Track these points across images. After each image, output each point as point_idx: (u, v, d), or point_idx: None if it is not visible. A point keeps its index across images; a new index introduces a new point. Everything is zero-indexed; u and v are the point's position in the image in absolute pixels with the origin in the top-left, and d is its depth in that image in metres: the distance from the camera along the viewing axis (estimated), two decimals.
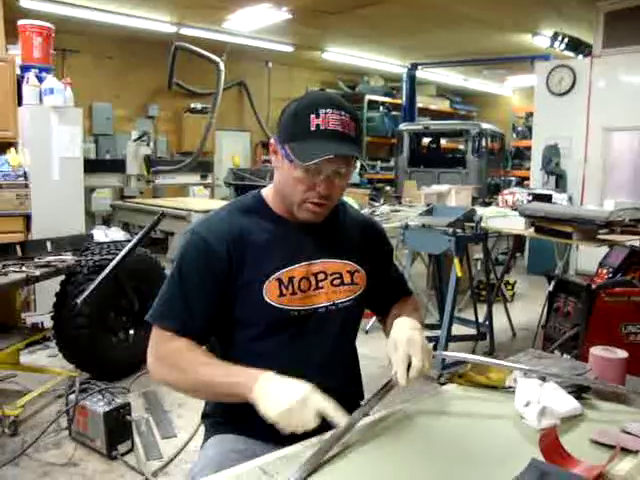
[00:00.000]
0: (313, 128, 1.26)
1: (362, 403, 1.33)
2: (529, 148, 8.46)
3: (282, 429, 1.11)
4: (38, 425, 3.05)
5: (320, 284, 1.39)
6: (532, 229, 3.89)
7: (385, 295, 1.59)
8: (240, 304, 1.34)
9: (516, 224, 3.98)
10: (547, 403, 1.24)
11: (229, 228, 1.36)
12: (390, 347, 1.28)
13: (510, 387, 1.39)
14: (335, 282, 1.40)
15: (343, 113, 1.28)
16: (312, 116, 1.27)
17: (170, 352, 1.30)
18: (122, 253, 3.53)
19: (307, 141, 1.26)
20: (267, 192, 1.45)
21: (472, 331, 4.31)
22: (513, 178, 9.79)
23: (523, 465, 1.06)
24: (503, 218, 4.08)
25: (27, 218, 4.76)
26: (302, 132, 1.27)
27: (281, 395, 1.12)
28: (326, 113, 1.27)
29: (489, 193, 8.66)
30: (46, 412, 3.24)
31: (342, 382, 1.40)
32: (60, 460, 2.76)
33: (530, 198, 4.35)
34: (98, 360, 3.55)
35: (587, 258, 6.08)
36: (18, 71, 4.70)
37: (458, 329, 4.25)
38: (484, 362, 1.46)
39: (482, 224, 4.03)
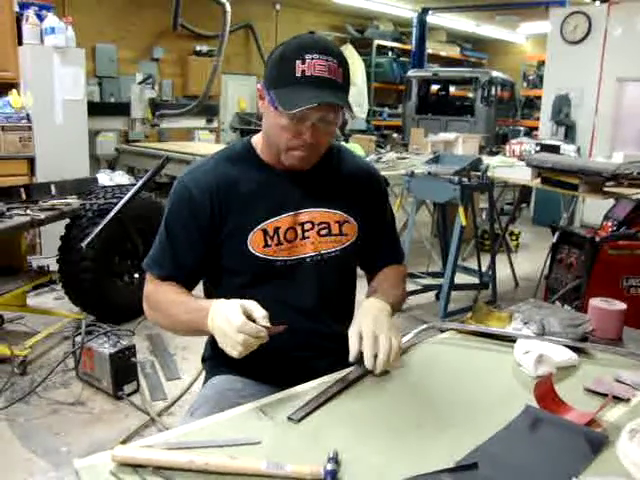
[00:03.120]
0: (298, 74, 1.23)
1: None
2: (539, 98, 8.30)
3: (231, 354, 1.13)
4: (46, 365, 3.12)
5: (306, 234, 1.38)
6: (538, 180, 3.86)
7: (373, 255, 1.53)
8: (226, 253, 1.36)
9: (522, 174, 3.96)
10: (544, 352, 1.25)
11: (214, 179, 1.36)
12: (354, 329, 1.25)
13: (509, 337, 1.40)
14: (322, 232, 1.39)
15: (330, 59, 1.24)
16: (298, 62, 1.23)
17: (154, 295, 1.36)
18: (126, 197, 3.53)
19: (292, 88, 1.23)
20: (257, 139, 1.43)
21: (475, 280, 4.34)
22: (522, 128, 9.65)
23: (517, 411, 1.08)
24: (510, 168, 4.05)
25: (31, 161, 4.78)
26: (287, 78, 1.24)
27: (216, 320, 1.15)
28: (312, 59, 1.22)
29: (497, 142, 8.57)
30: (54, 353, 3.31)
31: (334, 327, 1.41)
32: (68, 399, 2.84)
33: (538, 148, 4.29)
34: (103, 303, 3.60)
35: (593, 210, 6.04)
36: (17, 8, 4.59)
37: (461, 278, 4.28)
38: (482, 331, 1.46)
39: (488, 173, 4.00)
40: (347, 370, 1.22)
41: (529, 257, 5.85)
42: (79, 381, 2.98)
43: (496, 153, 5.51)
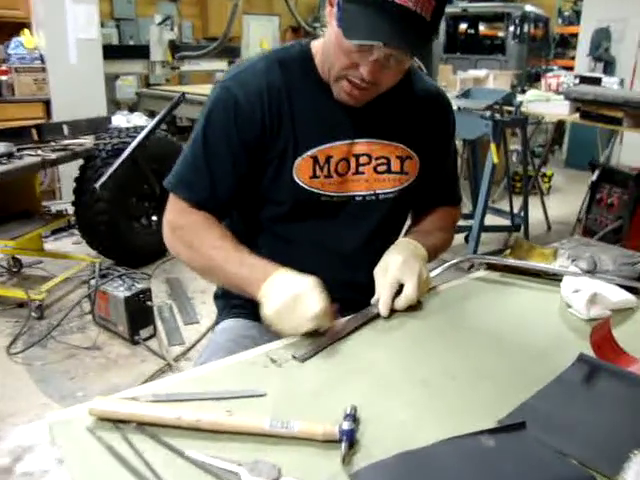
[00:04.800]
0: None
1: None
2: (575, 35, 7.83)
3: (277, 333, 0.99)
4: (63, 309, 3.06)
5: (361, 169, 1.18)
6: (577, 115, 3.59)
7: (428, 194, 1.32)
8: (268, 179, 1.16)
9: (559, 109, 3.68)
10: (598, 290, 1.08)
11: (266, 83, 1.12)
12: (379, 268, 1.12)
13: (555, 274, 1.23)
14: (380, 168, 1.20)
15: None
16: None
17: (186, 226, 1.16)
18: (141, 134, 3.37)
19: (364, 9, 0.98)
20: (317, 46, 1.18)
21: (506, 222, 4.14)
22: (555, 67, 9.18)
23: (569, 360, 0.92)
24: (545, 102, 3.77)
25: (47, 104, 4.64)
26: None
27: (279, 293, 0.98)
28: None
29: (529, 81, 8.19)
30: (71, 297, 3.25)
31: (372, 278, 1.19)
32: (85, 343, 2.78)
33: (577, 81, 3.99)
34: (120, 246, 3.50)
35: (631, 151, 5.73)
36: None
37: (491, 220, 4.09)
38: (525, 267, 1.28)
39: (522, 109, 3.75)
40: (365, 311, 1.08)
41: (562, 200, 5.61)
42: (96, 326, 2.92)
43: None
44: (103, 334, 2.85)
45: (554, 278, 1.22)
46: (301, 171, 1.14)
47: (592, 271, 1.17)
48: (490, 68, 7.69)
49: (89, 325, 2.95)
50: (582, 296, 1.07)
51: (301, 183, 1.14)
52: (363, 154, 1.18)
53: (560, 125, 5.01)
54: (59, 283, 3.25)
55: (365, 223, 1.22)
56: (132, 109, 7.20)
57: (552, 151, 6.16)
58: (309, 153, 1.13)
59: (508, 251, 1.34)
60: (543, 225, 4.75)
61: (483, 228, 3.77)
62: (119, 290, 2.77)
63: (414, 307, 1.07)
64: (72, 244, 4.11)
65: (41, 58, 4.68)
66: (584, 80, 3.91)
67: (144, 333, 2.79)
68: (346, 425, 0.71)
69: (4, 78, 4.59)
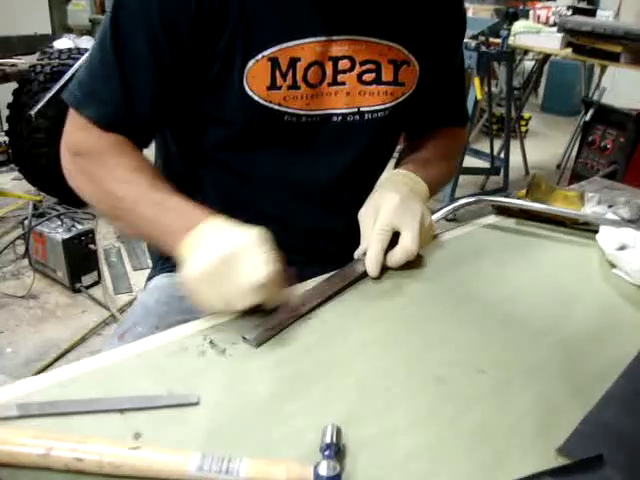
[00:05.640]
0: None
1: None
2: None
3: (200, 307, 0.67)
4: None
5: (340, 77, 0.86)
6: (569, 50, 3.30)
7: (427, 112, 1.02)
8: (209, 90, 0.83)
9: (550, 42, 3.38)
10: None
11: None
12: (367, 210, 0.84)
13: (586, 223, 0.96)
14: (366, 77, 0.87)
15: None
16: None
17: (89, 152, 0.82)
18: (84, 56, 2.96)
19: None
20: None
21: (484, 164, 3.88)
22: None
23: (628, 346, 0.66)
24: (536, 35, 3.45)
25: None
26: None
27: (207, 250, 0.66)
28: None
29: (507, 20, 7.82)
30: (5, 240, 2.89)
31: (350, 223, 0.88)
32: (18, 292, 2.45)
33: (569, 13, 3.68)
34: (61, 182, 3.11)
35: (617, 95, 5.49)
36: None
37: (470, 162, 3.82)
38: (548, 211, 0.99)
39: (509, 41, 3.44)
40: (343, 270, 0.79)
41: (539, 145, 5.38)
42: (33, 272, 2.58)
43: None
44: (40, 281, 2.53)
45: (586, 228, 0.96)
46: (255, 79, 0.81)
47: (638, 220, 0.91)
48: (470, 2, 7.30)
49: (25, 271, 2.63)
50: (634, 254, 0.81)
51: (255, 96, 0.82)
52: (343, 57, 0.85)
53: (543, 62, 4.71)
54: None
55: (344, 152, 0.91)
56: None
57: (531, 92, 5.90)
58: (266, 53, 0.80)
59: (522, 191, 1.06)
60: (521, 170, 4.52)
61: (461, 170, 3.51)
62: (57, 232, 2.45)
63: (412, 263, 0.79)
64: (12, 180, 3.72)
65: None
66: (577, 11, 3.60)
67: (86, 280, 2.48)
68: (325, 468, 0.43)
69: None
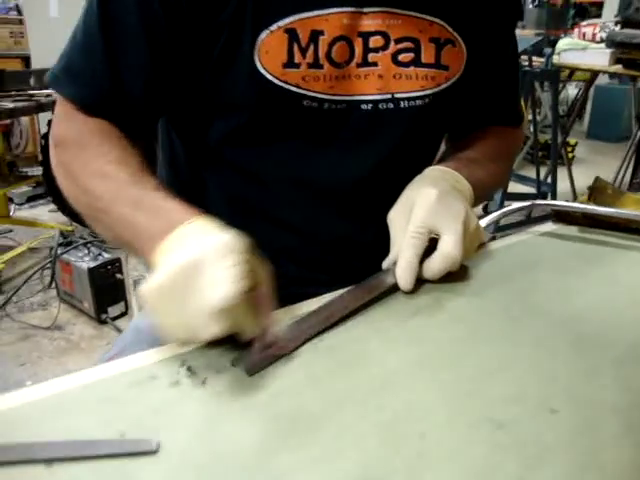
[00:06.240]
0: None
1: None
2: (594, 4, 7.39)
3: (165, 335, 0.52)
4: (25, 283, 2.66)
5: (372, 57, 0.72)
6: (619, 66, 3.12)
7: (473, 106, 0.86)
8: (213, 69, 0.70)
9: (598, 59, 3.20)
10: None
11: None
12: (398, 210, 0.69)
13: None
14: (402, 57, 0.73)
15: None
16: None
17: (68, 140, 0.69)
18: None
19: None
20: None
21: (530, 190, 3.69)
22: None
23: None
24: (582, 51, 3.28)
25: (26, 61, 4.22)
26: None
27: (172, 259, 0.51)
28: None
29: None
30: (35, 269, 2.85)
31: (386, 237, 0.72)
32: (44, 323, 2.38)
33: (618, 28, 3.50)
34: None
35: None
36: None
37: (513, 187, 3.64)
38: (619, 216, 0.82)
39: (554, 59, 3.28)
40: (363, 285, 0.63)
41: (586, 171, 5.14)
42: (60, 302, 2.51)
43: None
44: (67, 312, 2.46)
45: None
46: (269, 54, 0.68)
47: None
48: None
49: (53, 301, 2.55)
50: None
51: (268, 75, 0.68)
52: (375, 32, 0.71)
53: (589, 86, 4.51)
54: (23, 253, 2.86)
55: (375, 148, 0.76)
56: None
57: (572, 122, 5.71)
58: (282, 24, 0.67)
59: (584, 196, 0.90)
60: (568, 196, 4.31)
61: (506, 195, 3.33)
62: (84, 260, 2.37)
63: (455, 275, 0.64)
64: (49, 212, 3.72)
65: (17, 9, 4.25)
66: (627, 25, 3.42)
67: (113, 311, 2.39)
68: None
69: None
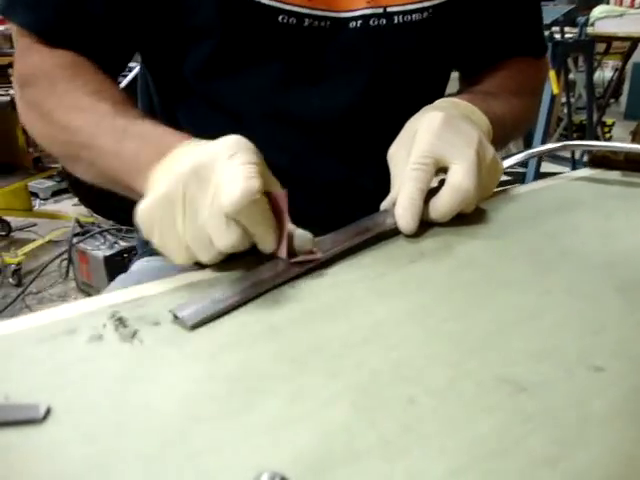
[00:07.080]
0: None
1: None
2: None
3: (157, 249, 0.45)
4: (46, 275, 2.64)
5: None
6: None
7: (487, 33, 0.74)
8: None
9: (637, 25, 3.01)
10: None
11: None
12: (399, 143, 0.57)
13: None
14: None
15: None
16: None
17: (35, 76, 0.60)
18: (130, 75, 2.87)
19: None
20: None
21: (565, 169, 3.52)
22: None
23: None
24: (619, 18, 3.09)
25: None
26: None
27: (168, 177, 0.44)
28: None
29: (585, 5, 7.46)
30: (56, 262, 2.82)
31: (379, 171, 0.62)
32: None
33: None
34: (111, 202, 3.02)
35: None
36: None
37: (546, 167, 3.47)
38: None
39: (588, 29, 3.09)
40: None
41: None
42: (80, 293, 2.47)
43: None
44: None
45: None
46: None
47: None
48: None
49: (72, 292, 2.52)
50: None
51: None
52: None
53: (626, 60, 4.28)
54: (44, 246, 2.85)
55: (367, 72, 0.64)
56: None
57: (609, 102, 5.46)
58: None
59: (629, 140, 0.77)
60: None
61: (539, 175, 3.17)
62: (99, 249, 2.33)
63: (469, 218, 0.52)
64: (72, 206, 3.71)
65: None
66: None
67: None
68: None
69: (1, 28, 4.16)
